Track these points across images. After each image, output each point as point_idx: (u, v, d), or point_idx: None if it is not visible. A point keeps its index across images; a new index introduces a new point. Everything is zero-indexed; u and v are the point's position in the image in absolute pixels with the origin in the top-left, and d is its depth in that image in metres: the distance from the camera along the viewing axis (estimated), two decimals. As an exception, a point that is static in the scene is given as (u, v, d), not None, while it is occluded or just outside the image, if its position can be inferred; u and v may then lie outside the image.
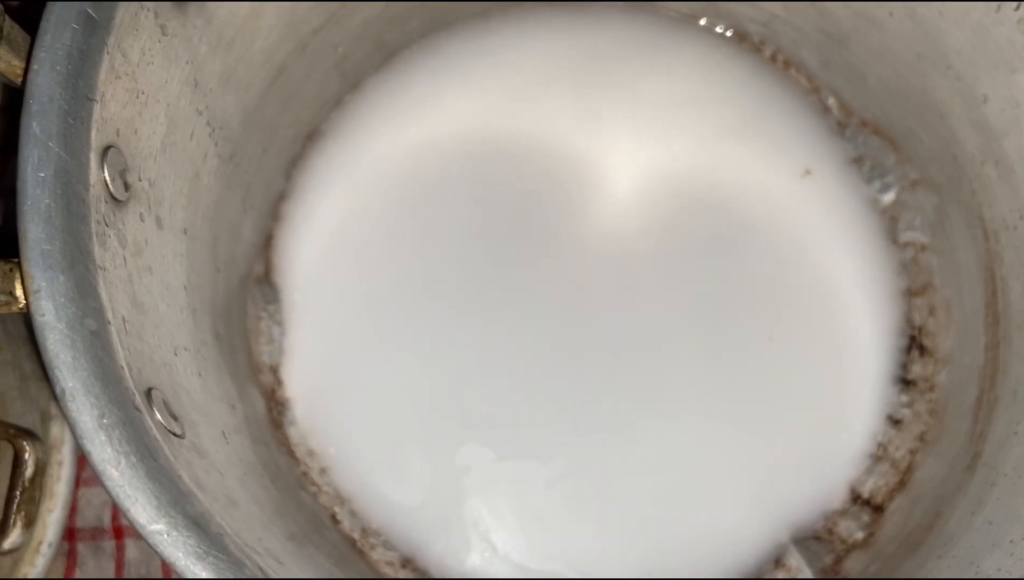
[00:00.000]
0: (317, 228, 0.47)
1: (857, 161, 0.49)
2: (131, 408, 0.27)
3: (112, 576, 0.48)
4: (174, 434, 0.29)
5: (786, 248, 0.48)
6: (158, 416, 0.29)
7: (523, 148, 0.49)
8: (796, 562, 0.45)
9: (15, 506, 0.40)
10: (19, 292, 0.27)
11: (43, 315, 0.26)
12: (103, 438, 0.26)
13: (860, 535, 0.45)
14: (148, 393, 0.29)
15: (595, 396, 0.47)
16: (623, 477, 0.46)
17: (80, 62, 0.29)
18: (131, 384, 0.28)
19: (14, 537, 0.40)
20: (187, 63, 0.35)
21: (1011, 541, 0.34)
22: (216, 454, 0.33)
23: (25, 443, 0.40)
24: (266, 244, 0.47)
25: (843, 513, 0.46)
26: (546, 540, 0.46)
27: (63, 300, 0.27)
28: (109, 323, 0.28)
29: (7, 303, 0.28)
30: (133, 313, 0.30)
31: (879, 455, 0.46)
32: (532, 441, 0.47)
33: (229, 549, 0.27)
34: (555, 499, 0.46)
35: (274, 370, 0.45)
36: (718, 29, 0.50)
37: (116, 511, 0.48)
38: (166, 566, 0.47)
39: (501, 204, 0.48)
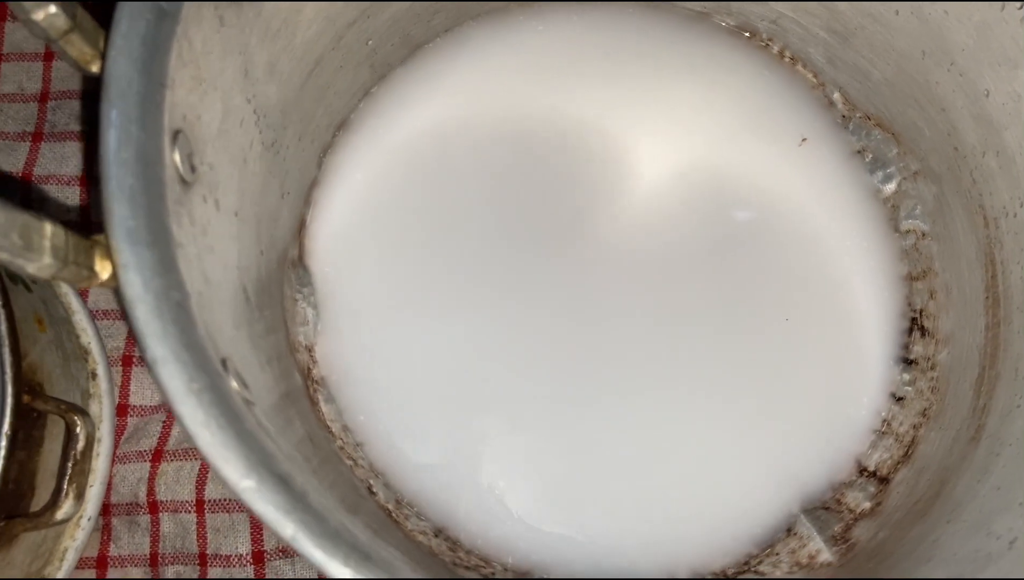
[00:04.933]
0: (346, 214, 0.49)
1: (860, 153, 0.51)
2: (215, 374, 0.28)
3: (147, 550, 0.49)
4: (247, 401, 0.31)
5: (793, 235, 0.50)
6: (234, 383, 0.30)
7: (542, 138, 0.50)
8: (806, 530, 0.46)
9: (67, 478, 0.41)
10: (99, 267, 0.29)
11: (132, 287, 0.28)
12: (194, 402, 0.27)
13: (867, 505, 0.47)
14: (224, 362, 0.30)
15: (612, 374, 0.48)
16: (640, 451, 0.48)
17: (153, 49, 0.30)
18: (212, 353, 0.29)
19: (66, 508, 0.41)
20: (239, 53, 0.36)
21: (1020, 504, 0.36)
22: (273, 425, 0.34)
23: (76, 418, 0.42)
24: (300, 228, 0.48)
25: (850, 484, 0.48)
26: (560, 506, 0.47)
27: (150, 273, 0.28)
28: (189, 296, 0.29)
29: (88, 277, 0.29)
30: (205, 288, 0.31)
31: (883, 430, 0.48)
32: (548, 414, 0.48)
33: (313, 506, 0.28)
34: (570, 468, 0.47)
35: (309, 350, 0.47)
36: (728, 25, 0.52)
37: (152, 486, 0.49)
38: (202, 540, 0.49)
39: (522, 190, 0.50)
